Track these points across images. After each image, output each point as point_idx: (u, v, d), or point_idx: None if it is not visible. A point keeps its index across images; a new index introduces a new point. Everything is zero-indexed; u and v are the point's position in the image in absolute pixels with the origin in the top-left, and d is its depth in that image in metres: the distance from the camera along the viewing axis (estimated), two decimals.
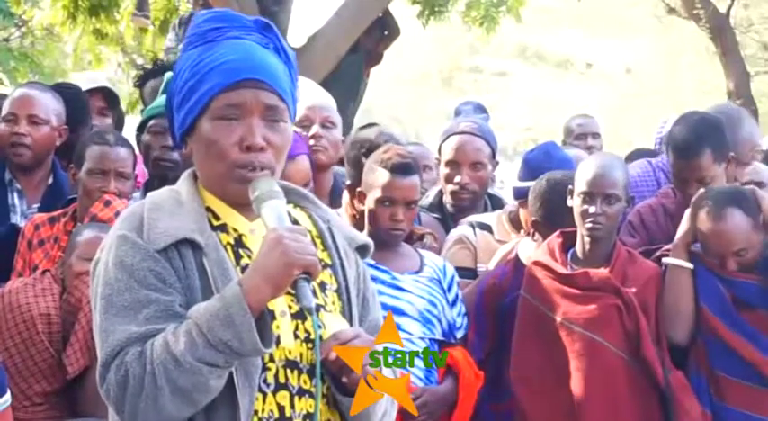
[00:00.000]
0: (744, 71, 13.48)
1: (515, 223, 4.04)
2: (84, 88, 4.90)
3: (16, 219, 4.21)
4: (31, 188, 4.28)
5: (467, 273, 3.93)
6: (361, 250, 2.32)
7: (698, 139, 3.80)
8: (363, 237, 2.36)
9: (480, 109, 4.77)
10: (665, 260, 3.61)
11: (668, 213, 3.99)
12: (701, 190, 3.67)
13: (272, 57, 2.18)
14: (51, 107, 4.28)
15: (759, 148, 4.35)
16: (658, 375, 3.46)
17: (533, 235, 3.82)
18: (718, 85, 14.30)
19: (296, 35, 8.97)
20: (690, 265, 3.56)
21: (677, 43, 18.98)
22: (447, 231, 4.19)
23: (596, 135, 6.01)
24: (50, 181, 4.31)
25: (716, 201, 3.52)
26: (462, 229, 4.04)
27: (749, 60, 14.73)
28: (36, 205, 4.24)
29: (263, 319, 1.99)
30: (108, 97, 5.12)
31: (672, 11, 14.98)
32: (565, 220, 3.65)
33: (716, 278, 3.55)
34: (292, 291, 2.02)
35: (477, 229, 4.02)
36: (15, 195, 4.27)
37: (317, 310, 2.10)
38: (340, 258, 2.23)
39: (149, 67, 5.49)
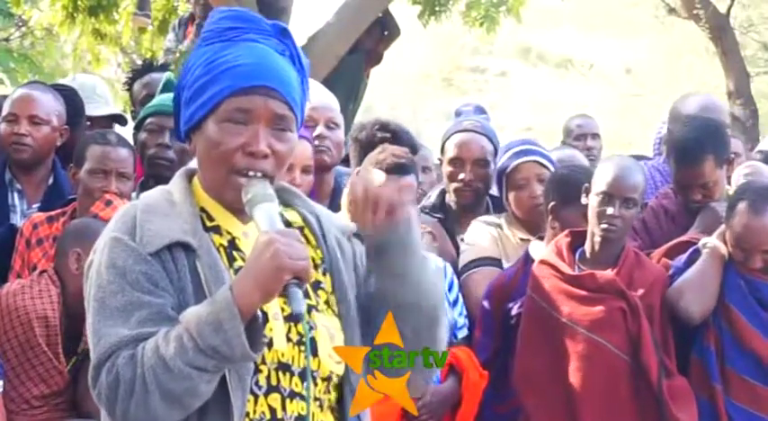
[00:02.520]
0: (744, 71, 13.46)
1: (522, 221, 4.04)
2: (94, 114, 4.90)
3: (16, 218, 4.21)
4: (31, 188, 4.28)
5: (495, 262, 3.93)
6: (359, 237, 2.29)
7: (700, 147, 3.80)
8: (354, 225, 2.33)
9: (480, 110, 4.77)
10: (705, 239, 3.57)
11: (669, 215, 3.99)
12: (742, 182, 3.67)
13: (287, 64, 2.17)
14: (52, 107, 4.28)
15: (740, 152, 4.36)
16: (653, 381, 3.45)
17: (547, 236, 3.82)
18: (719, 85, 14.28)
19: (296, 35, 8.94)
20: (725, 251, 3.54)
21: (677, 43, 18.96)
22: (448, 232, 4.19)
23: (596, 136, 6.00)
24: (51, 181, 4.30)
25: (757, 196, 3.51)
26: (485, 222, 4.03)
27: (749, 61, 14.72)
28: (36, 205, 4.24)
29: (255, 324, 1.98)
30: (117, 119, 5.16)
31: (672, 11, 14.96)
32: (578, 200, 3.67)
33: (739, 277, 3.54)
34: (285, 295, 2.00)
35: (493, 227, 4.04)
36: (15, 195, 4.27)
37: (309, 311, 2.10)
38: (333, 253, 2.21)
39: (136, 68, 5.52)
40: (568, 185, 3.73)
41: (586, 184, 3.62)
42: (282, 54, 2.17)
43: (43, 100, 4.28)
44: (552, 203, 3.77)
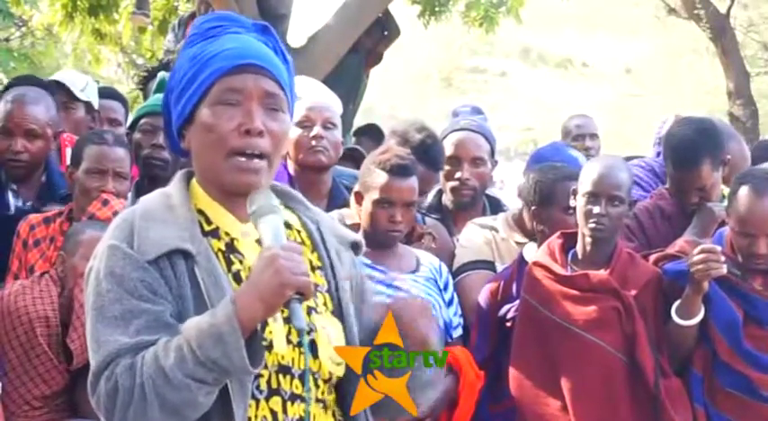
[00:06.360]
0: (744, 71, 13.49)
1: (520, 225, 4.03)
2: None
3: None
4: (25, 186, 4.27)
5: (488, 265, 3.93)
6: (354, 247, 2.31)
7: (696, 150, 3.80)
8: (353, 234, 2.36)
9: (477, 111, 4.77)
10: (675, 318, 3.49)
11: (665, 215, 3.98)
12: (743, 170, 3.67)
13: (271, 52, 2.19)
14: (46, 118, 4.19)
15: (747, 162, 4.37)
16: (650, 381, 3.44)
17: (539, 236, 3.82)
18: (719, 85, 14.32)
19: (296, 35, 8.96)
20: (697, 320, 3.47)
21: (677, 43, 19.01)
22: (447, 232, 4.18)
23: (594, 136, 6.00)
24: (44, 178, 4.29)
25: (759, 180, 3.50)
26: (479, 224, 4.04)
27: (749, 60, 14.75)
28: (30, 203, 4.23)
29: (255, 338, 1.97)
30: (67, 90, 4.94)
31: (672, 11, 15.00)
32: (560, 200, 3.69)
33: (731, 294, 3.49)
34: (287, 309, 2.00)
35: (487, 230, 4.03)
36: (10, 193, 4.25)
37: (309, 313, 2.10)
38: (330, 258, 2.22)
39: (151, 67, 5.50)
40: (543, 187, 3.77)
41: (574, 187, 3.63)
42: (266, 44, 2.20)
43: (37, 113, 4.18)
44: (533, 208, 3.79)
